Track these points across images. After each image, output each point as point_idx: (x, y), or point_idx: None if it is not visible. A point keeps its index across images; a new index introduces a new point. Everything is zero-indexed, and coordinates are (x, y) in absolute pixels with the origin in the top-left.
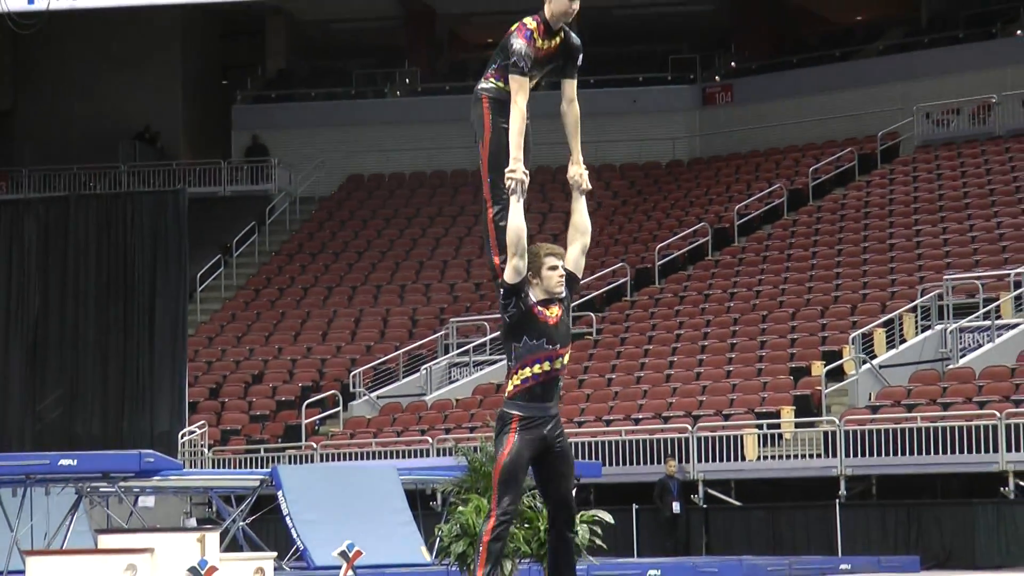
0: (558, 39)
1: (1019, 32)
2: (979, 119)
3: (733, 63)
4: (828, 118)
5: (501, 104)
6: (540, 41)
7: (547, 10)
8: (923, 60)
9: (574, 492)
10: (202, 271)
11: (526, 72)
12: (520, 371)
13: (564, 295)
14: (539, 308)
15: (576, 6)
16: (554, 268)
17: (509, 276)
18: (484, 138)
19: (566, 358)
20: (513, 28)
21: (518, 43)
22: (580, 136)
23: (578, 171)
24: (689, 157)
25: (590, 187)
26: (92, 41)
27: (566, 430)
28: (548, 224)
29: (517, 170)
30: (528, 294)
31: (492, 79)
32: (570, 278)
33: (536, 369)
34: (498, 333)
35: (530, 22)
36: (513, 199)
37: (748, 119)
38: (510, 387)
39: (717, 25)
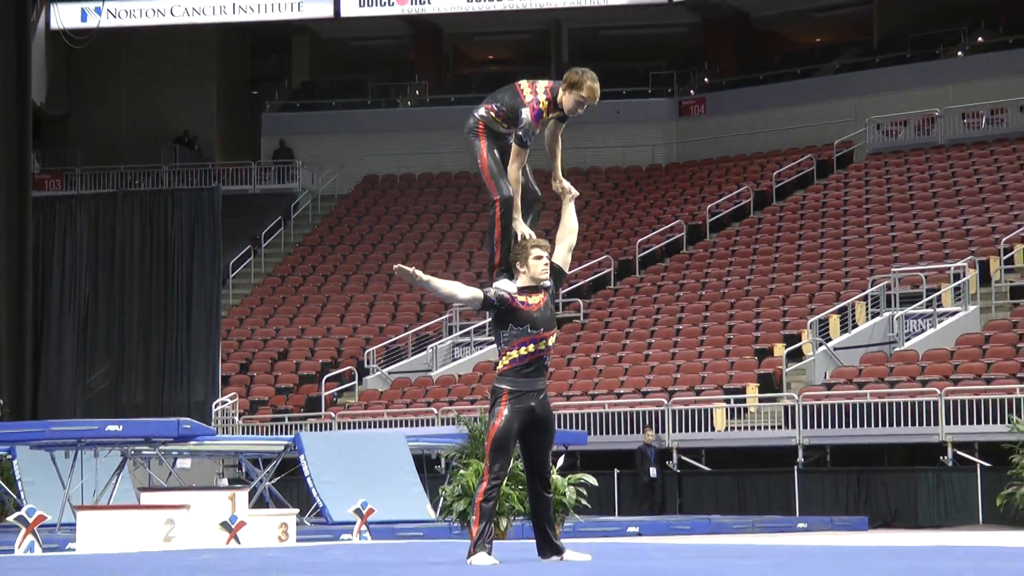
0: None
1: (960, 54)
2: (924, 130)
3: (706, 79)
4: (790, 128)
5: (493, 133)
6: (546, 116)
7: (561, 96)
8: (874, 77)
9: (561, 459)
10: (234, 260)
11: (527, 145)
12: (508, 353)
13: (548, 284)
14: (520, 300)
15: (583, 110)
16: (539, 258)
17: (471, 306)
18: (481, 156)
19: (551, 340)
20: (524, 88)
21: (527, 119)
22: (564, 149)
23: (560, 185)
24: (667, 162)
25: (578, 193)
26: (138, 55)
27: (556, 403)
28: (541, 222)
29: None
30: (502, 297)
31: (490, 111)
32: (557, 271)
33: (523, 351)
34: None
35: (543, 100)
36: (433, 280)
37: (719, 129)
38: (500, 365)
39: (692, 45)
